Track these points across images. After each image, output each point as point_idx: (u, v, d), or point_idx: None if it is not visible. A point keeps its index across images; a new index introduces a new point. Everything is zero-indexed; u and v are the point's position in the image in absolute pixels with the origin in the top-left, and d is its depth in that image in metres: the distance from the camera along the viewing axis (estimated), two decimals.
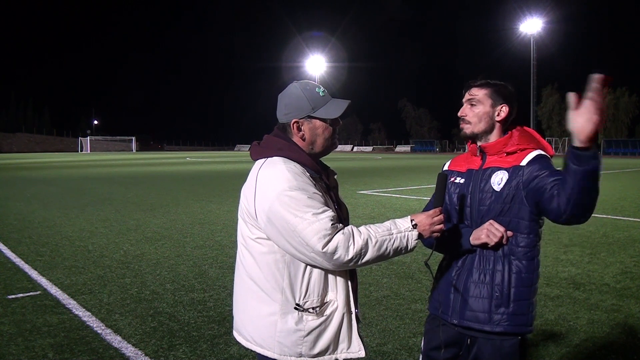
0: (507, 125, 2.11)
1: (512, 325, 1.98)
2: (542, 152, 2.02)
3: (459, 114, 2.13)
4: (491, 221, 1.99)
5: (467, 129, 2.11)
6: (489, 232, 1.96)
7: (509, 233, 1.98)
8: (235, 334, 2.01)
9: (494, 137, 2.09)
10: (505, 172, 2.01)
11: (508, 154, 2.04)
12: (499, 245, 1.98)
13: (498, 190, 2.00)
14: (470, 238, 2.01)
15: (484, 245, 1.99)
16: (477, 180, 2.08)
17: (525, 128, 2.12)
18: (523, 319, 1.99)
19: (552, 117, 76.90)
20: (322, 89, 1.94)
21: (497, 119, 2.08)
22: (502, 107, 2.07)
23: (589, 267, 6.10)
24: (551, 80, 77.40)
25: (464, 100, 2.12)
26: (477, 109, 2.08)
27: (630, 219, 9.83)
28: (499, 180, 2.01)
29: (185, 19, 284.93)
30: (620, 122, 72.44)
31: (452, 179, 2.17)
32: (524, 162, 1.98)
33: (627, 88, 71.62)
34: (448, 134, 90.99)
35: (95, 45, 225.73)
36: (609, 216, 10.09)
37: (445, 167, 2.28)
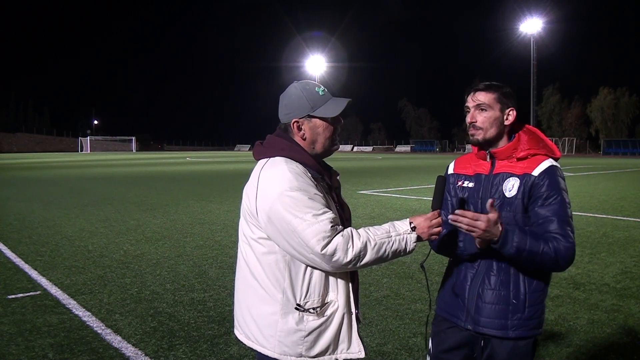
0: (511, 127, 2.07)
1: (526, 330, 1.99)
2: (553, 163, 1.99)
3: (468, 120, 2.05)
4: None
5: (479, 135, 2.03)
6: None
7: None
8: (236, 332, 2.01)
9: (502, 141, 2.06)
10: (517, 179, 1.98)
11: (519, 159, 2.01)
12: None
13: (509, 196, 1.98)
14: (476, 241, 1.93)
15: (489, 247, 1.91)
16: (487, 185, 2.04)
17: (530, 128, 2.09)
18: (535, 322, 2.00)
19: (552, 117, 76.86)
20: (322, 88, 1.94)
21: (506, 123, 2.04)
22: (510, 111, 2.03)
23: (589, 267, 6.10)
24: (552, 80, 77.49)
25: (469, 105, 2.04)
26: (488, 114, 2.01)
27: (630, 219, 9.83)
28: (510, 187, 1.99)
29: (186, 19, 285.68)
30: (620, 122, 72.35)
31: (460, 183, 2.14)
32: (535, 172, 1.96)
33: (627, 88, 71.62)
34: (448, 134, 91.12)
35: (95, 46, 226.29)
36: (609, 216, 10.10)
37: (450, 169, 2.23)
